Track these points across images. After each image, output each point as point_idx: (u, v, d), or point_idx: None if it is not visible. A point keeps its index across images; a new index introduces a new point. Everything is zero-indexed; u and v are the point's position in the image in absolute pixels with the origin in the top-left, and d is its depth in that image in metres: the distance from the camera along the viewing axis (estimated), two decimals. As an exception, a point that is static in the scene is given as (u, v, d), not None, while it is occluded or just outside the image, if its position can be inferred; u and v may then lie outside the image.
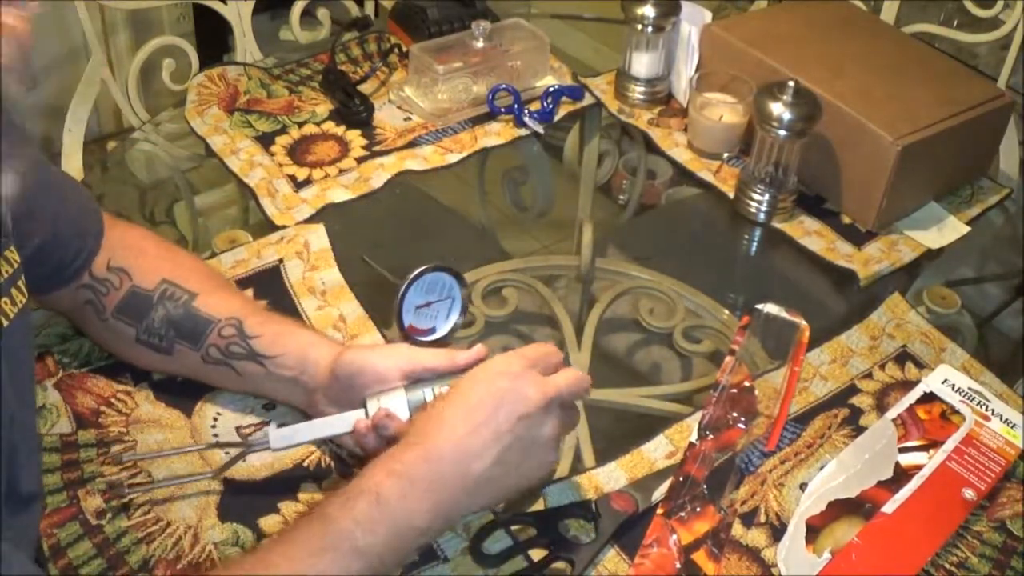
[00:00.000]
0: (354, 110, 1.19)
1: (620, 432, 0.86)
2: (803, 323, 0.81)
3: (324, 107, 1.22)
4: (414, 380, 0.74)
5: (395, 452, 0.66)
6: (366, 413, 0.73)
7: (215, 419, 0.82)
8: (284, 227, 1.03)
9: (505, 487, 0.69)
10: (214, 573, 0.69)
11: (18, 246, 0.68)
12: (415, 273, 0.84)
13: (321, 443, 0.80)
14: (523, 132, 1.21)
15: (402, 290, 0.85)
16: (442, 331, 0.87)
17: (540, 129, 1.21)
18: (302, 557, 0.61)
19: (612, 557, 0.74)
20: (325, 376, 0.76)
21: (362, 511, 0.63)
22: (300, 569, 0.61)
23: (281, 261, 0.99)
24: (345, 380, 0.75)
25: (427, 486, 0.64)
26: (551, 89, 1.24)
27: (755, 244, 1.11)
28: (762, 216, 1.09)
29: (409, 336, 0.87)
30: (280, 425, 0.79)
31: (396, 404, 0.73)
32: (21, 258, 0.68)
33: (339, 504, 0.63)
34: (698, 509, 0.77)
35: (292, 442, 0.75)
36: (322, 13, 1.47)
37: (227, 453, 0.78)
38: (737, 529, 0.77)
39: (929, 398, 0.87)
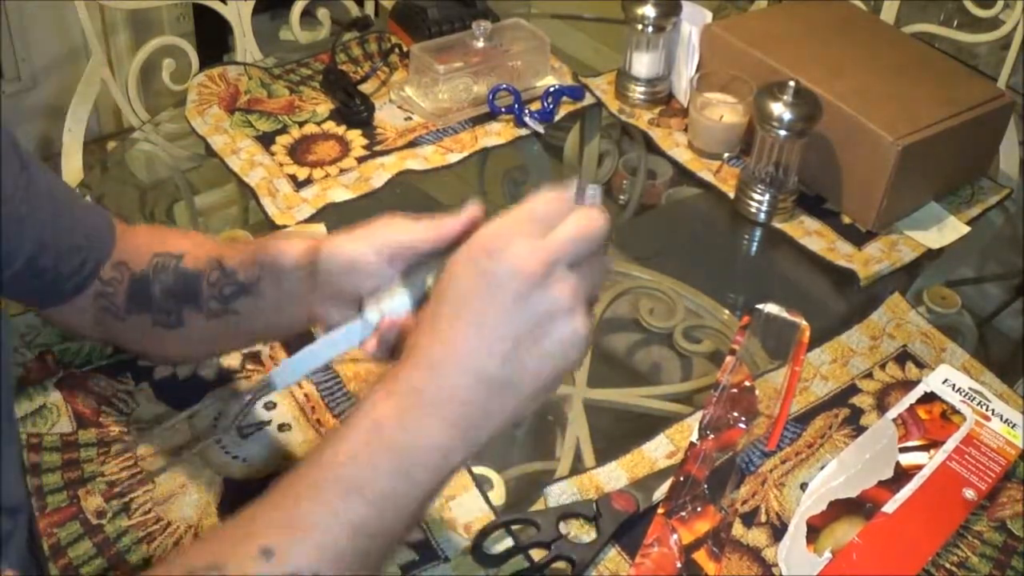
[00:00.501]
0: (355, 110, 1.19)
1: (620, 432, 0.86)
2: (803, 323, 0.81)
3: (325, 107, 1.22)
4: (408, 264, 0.64)
5: (392, 370, 0.55)
6: (364, 322, 0.64)
7: (215, 420, 0.82)
8: (285, 227, 1.03)
9: (536, 377, 0.55)
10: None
11: (7, 256, 0.68)
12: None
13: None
14: (523, 132, 1.21)
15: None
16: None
17: (540, 129, 1.21)
18: (283, 504, 0.51)
19: (613, 557, 0.74)
20: (308, 282, 0.68)
21: (356, 441, 0.52)
22: (282, 515, 0.51)
23: (281, 261, 0.99)
24: (334, 281, 0.66)
25: (433, 397, 0.53)
26: (551, 89, 1.24)
27: (755, 244, 1.11)
28: (762, 216, 1.09)
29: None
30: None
31: (398, 303, 0.63)
32: (12, 269, 0.68)
33: (329, 439, 0.54)
34: (699, 509, 0.77)
35: (297, 375, 0.65)
36: (322, 13, 1.47)
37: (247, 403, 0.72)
38: (738, 529, 0.77)
39: (929, 398, 0.87)
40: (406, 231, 0.64)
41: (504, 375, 0.54)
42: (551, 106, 1.23)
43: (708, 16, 1.24)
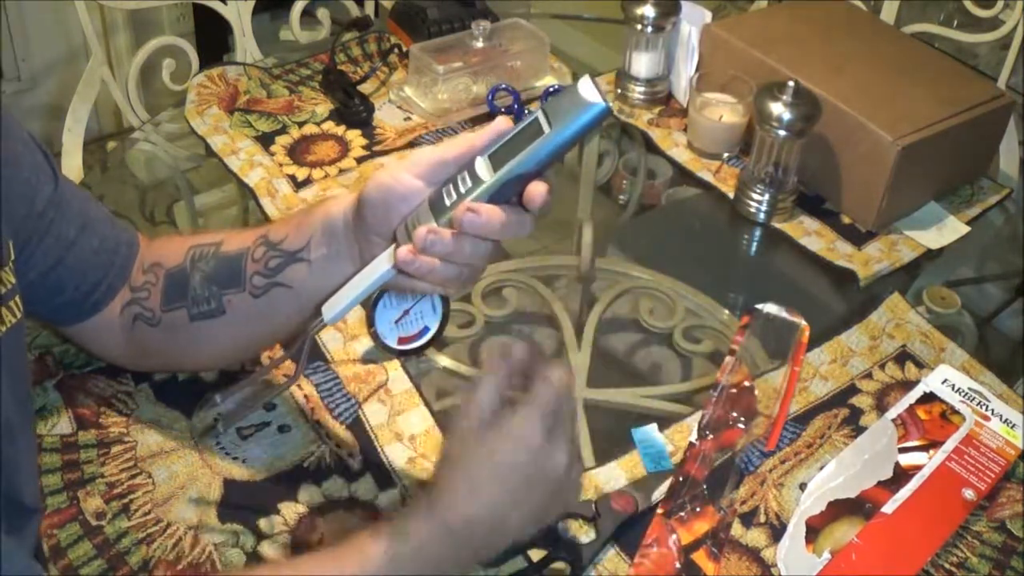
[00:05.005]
0: (354, 110, 1.20)
1: (620, 432, 0.86)
2: (803, 323, 0.81)
3: (324, 107, 1.22)
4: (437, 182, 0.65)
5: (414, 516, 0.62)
6: (396, 242, 0.65)
7: (216, 420, 0.82)
8: (284, 227, 1.03)
9: (532, 519, 0.65)
10: None
11: (23, 268, 0.68)
12: (371, 301, 0.82)
13: (344, 417, 0.80)
14: (523, 132, 1.21)
15: (370, 318, 0.84)
16: (435, 326, 0.86)
17: (540, 129, 1.21)
18: None
19: (612, 557, 0.74)
20: (357, 226, 0.68)
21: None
22: None
23: (281, 261, 0.99)
24: (379, 214, 0.66)
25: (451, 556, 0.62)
26: (551, 89, 1.24)
27: (755, 244, 1.11)
28: (762, 216, 1.09)
29: (405, 352, 0.86)
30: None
31: (423, 215, 0.63)
32: (27, 279, 0.69)
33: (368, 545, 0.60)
34: (698, 509, 0.77)
35: (344, 308, 0.67)
36: (322, 13, 1.47)
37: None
38: (737, 529, 0.77)
39: (929, 398, 0.87)
40: (436, 148, 0.66)
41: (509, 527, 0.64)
42: (551, 106, 1.23)
43: (708, 16, 1.24)
